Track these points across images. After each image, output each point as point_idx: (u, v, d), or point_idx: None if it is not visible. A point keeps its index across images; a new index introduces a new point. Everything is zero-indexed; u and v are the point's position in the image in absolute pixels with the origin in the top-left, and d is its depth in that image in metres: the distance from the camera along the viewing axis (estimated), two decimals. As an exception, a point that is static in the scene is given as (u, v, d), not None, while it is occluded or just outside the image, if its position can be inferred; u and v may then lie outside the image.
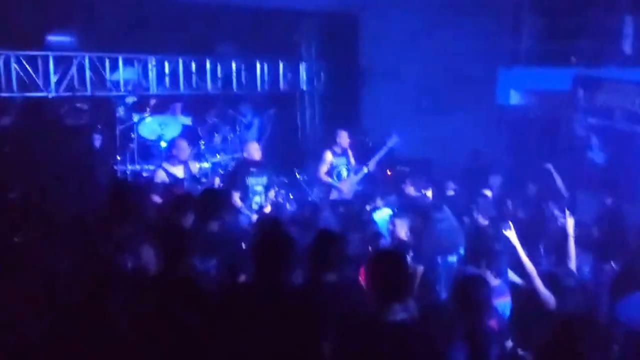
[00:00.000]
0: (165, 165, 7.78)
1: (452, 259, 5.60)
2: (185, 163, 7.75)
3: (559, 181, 7.70)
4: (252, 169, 7.75)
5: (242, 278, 4.96)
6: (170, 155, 8.06)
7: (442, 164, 7.58)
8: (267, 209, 7.32)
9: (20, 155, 8.11)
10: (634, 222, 7.03)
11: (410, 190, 6.63)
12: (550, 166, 7.75)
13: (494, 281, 4.88)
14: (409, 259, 5.26)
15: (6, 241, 5.88)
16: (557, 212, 6.87)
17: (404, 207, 6.58)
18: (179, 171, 7.68)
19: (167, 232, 4.42)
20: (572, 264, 5.30)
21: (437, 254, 5.66)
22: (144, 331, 3.79)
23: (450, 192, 7.44)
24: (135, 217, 5.53)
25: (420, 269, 5.64)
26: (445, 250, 5.69)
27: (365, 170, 8.38)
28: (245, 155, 8.01)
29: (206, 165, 9.13)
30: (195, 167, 8.23)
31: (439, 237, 5.80)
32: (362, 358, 3.49)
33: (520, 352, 4.40)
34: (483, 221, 6.22)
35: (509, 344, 4.51)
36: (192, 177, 7.88)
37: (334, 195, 8.29)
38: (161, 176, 7.57)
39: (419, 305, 4.74)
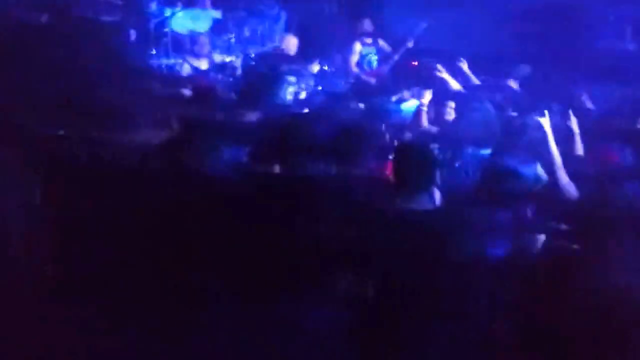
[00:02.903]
0: (189, 58, 7.77)
1: (485, 151, 5.15)
2: (209, 56, 7.57)
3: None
4: (285, 61, 7.63)
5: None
6: (192, 49, 8.06)
7: (462, 55, 7.20)
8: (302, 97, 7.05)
9: (58, 52, 7.93)
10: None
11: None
12: None
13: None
14: (435, 148, 4.94)
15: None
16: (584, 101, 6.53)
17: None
18: (202, 64, 7.60)
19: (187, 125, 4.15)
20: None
21: (468, 144, 5.23)
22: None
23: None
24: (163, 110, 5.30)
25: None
26: (476, 141, 5.25)
27: (395, 58, 7.96)
28: (283, 47, 7.84)
29: (235, 59, 8.81)
30: (219, 58, 8.04)
31: (470, 126, 5.36)
32: (386, 248, 3.26)
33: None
34: (511, 112, 5.85)
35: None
36: (216, 67, 7.75)
37: (361, 85, 7.91)
38: (186, 70, 7.60)
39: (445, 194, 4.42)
